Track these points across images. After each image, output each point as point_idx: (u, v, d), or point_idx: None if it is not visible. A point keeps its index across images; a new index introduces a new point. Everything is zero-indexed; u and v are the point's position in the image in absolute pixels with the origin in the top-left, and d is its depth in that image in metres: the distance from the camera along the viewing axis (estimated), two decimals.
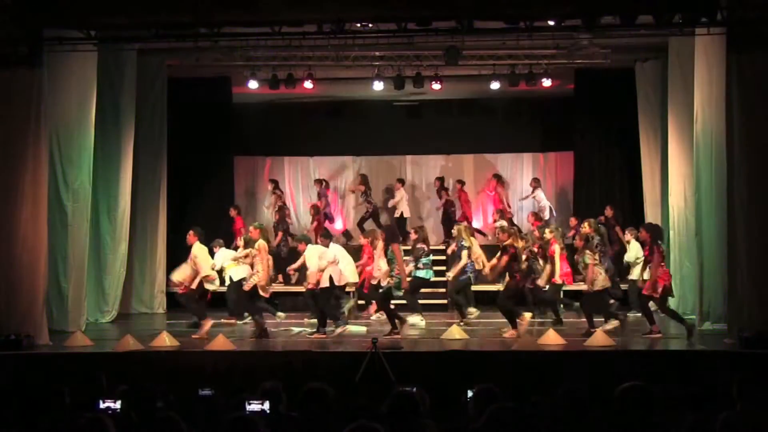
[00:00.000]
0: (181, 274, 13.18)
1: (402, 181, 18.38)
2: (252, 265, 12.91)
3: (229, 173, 18.38)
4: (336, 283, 13.04)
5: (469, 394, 6.01)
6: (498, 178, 18.16)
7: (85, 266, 13.61)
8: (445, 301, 16.01)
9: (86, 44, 12.45)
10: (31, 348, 11.45)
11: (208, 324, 12.72)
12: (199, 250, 13.03)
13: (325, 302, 13.01)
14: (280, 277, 16.57)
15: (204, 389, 6.71)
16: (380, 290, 13.26)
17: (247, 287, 12.63)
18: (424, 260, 13.63)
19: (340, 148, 18.95)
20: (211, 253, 13.66)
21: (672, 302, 14.74)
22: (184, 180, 17.58)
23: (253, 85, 16.47)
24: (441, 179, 18.27)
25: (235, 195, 18.49)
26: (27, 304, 11.76)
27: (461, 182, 18.28)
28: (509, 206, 18.19)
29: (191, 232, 13.24)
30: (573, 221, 16.24)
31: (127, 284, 15.81)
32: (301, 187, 19.43)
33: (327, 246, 13.36)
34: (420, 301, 14.39)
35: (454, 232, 14.63)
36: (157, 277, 16.49)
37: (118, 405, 6.16)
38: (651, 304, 12.52)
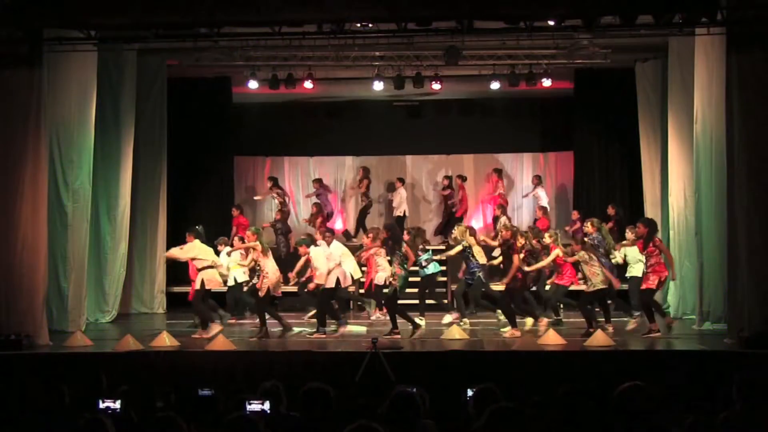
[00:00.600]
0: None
1: (402, 181, 18.34)
2: (253, 269, 13.05)
3: (229, 173, 18.36)
4: (341, 285, 13.21)
5: (469, 394, 6.00)
6: (498, 172, 18.13)
7: (85, 266, 13.59)
8: (445, 301, 16.01)
9: (86, 44, 12.42)
10: (30, 348, 11.44)
11: (215, 329, 12.67)
12: (198, 248, 13.12)
13: (326, 303, 13.03)
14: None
15: (204, 389, 6.70)
16: (385, 290, 13.18)
17: (262, 293, 12.65)
18: (425, 257, 13.71)
19: (340, 148, 18.90)
20: (216, 252, 13.71)
21: (672, 302, 14.82)
22: (184, 180, 17.57)
23: (253, 85, 16.46)
24: (449, 178, 18.21)
25: (235, 195, 18.47)
26: (27, 304, 11.75)
27: (461, 177, 18.24)
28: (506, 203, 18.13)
29: (188, 234, 13.34)
30: (575, 215, 16.20)
31: (127, 284, 15.79)
32: (301, 187, 19.38)
33: (330, 242, 13.53)
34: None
35: (454, 232, 14.58)
36: (157, 277, 16.46)
37: (117, 405, 6.15)
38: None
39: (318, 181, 18.36)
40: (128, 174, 15.36)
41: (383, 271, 13.26)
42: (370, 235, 13.79)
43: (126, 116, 15.30)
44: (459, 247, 13.63)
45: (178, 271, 17.33)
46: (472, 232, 14.44)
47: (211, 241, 13.81)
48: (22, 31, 11.65)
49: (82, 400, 6.31)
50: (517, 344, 12.13)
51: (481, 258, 13.76)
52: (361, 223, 17.91)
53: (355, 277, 13.98)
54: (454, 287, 14.87)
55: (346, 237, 17.78)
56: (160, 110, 16.45)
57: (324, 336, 12.64)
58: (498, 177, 18.04)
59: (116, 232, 15.21)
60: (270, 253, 12.78)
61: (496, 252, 14.20)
